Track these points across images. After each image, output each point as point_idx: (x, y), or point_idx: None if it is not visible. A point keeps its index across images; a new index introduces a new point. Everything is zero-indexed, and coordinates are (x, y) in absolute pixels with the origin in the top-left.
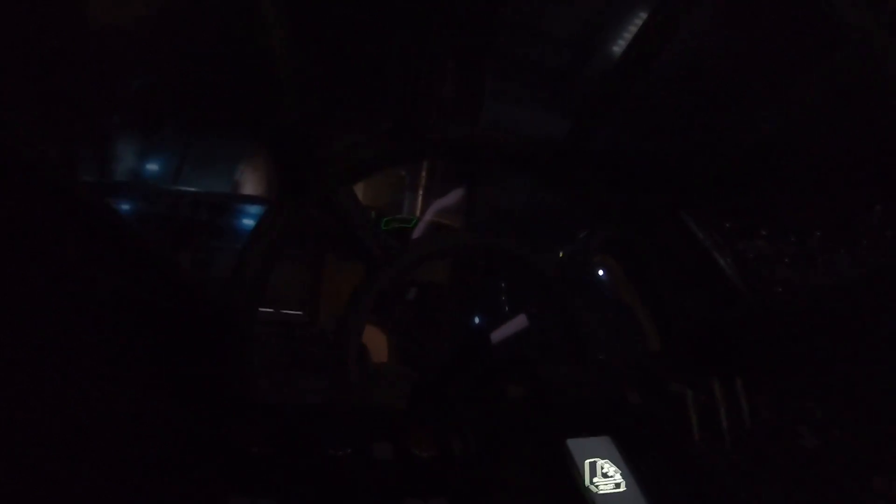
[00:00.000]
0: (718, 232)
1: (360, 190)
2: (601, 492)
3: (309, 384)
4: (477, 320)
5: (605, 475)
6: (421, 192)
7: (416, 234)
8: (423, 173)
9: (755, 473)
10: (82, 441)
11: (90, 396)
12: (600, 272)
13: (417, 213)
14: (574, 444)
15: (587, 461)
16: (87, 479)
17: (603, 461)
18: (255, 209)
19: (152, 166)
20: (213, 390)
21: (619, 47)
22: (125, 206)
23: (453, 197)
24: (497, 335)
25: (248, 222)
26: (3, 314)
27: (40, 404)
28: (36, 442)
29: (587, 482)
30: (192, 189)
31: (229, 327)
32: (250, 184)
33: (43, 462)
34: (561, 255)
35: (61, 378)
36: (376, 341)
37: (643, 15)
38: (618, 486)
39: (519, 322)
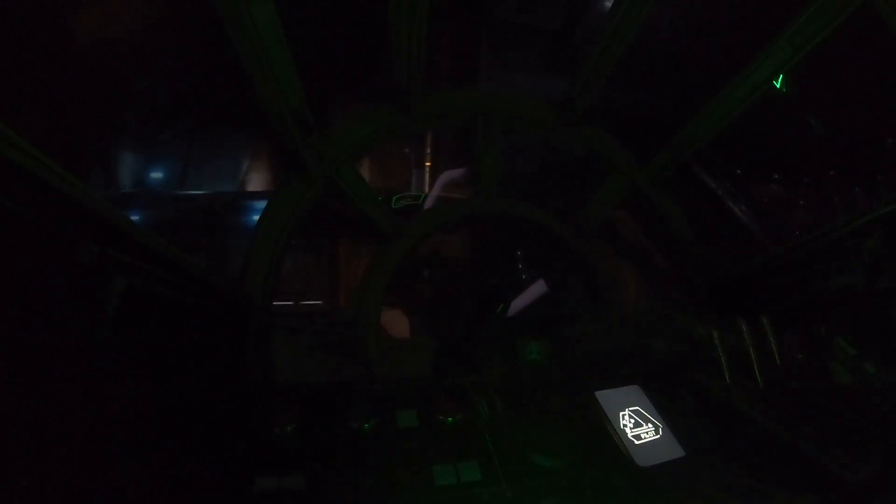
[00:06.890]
0: (730, 179)
1: (366, 172)
2: (637, 442)
3: (329, 364)
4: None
5: (638, 424)
6: (427, 170)
7: (426, 208)
8: (428, 150)
9: (790, 412)
10: (113, 429)
11: (116, 388)
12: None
13: (426, 190)
14: (603, 395)
15: (620, 412)
16: (119, 463)
17: (634, 410)
18: (263, 204)
19: (157, 174)
20: (235, 376)
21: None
22: (135, 216)
23: (461, 170)
24: (518, 302)
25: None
26: (27, 322)
27: (76, 397)
28: (75, 429)
29: (621, 433)
30: (200, 192)
31: (246, 316)
32: (256, 180)
33: (81, 448)
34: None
35: (88, 371)
36: (397, 322)
37: None
38: (652, 434)
39: (538, 288)
